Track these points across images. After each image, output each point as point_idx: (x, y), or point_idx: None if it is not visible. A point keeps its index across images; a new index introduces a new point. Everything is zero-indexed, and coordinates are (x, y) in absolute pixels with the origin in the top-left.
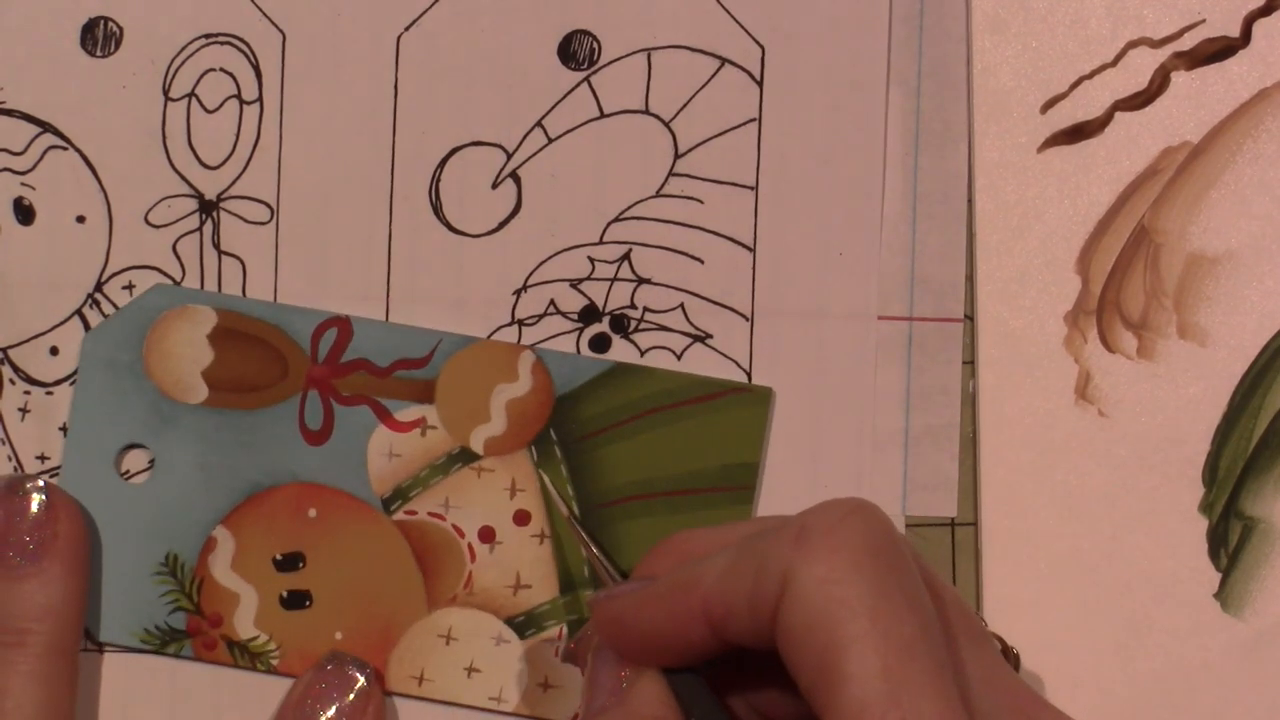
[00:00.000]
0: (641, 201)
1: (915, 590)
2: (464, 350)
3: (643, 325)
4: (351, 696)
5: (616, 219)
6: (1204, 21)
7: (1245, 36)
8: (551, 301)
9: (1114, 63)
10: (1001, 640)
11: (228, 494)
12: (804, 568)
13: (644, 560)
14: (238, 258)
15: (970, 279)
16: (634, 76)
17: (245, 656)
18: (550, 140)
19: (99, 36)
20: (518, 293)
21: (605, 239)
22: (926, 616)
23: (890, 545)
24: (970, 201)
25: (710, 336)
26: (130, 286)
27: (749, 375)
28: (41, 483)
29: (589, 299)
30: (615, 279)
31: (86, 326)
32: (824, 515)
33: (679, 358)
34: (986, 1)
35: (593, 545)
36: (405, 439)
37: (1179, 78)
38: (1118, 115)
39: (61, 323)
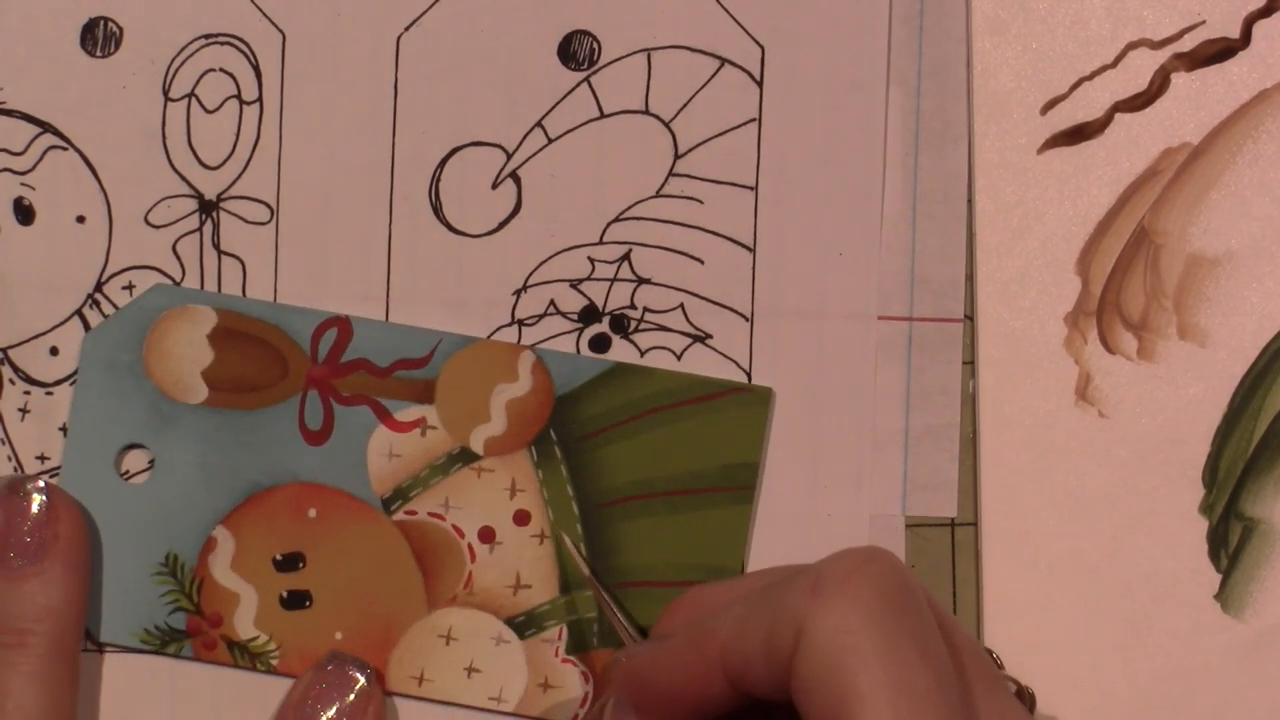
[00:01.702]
0: (641, 201)
1: (930, 639)
2: (464, 350)
3: (643, 325)
4: (352, 697)
5: (616, 219)
6: (1204, 23)
7: (1245, 38)
8: (551, 302)
9: (1114, 64)
10: (1016, 682)
11: (228, 494)
12: (818, 618)
13: (660, 618)
14: (238, 258)
15: (970, 279)
16: (634, 76)
17: (245, 656)
18: (550, 140)
19: (99, 36)
20: (518, 293)
21: (605, 239)
22: (941, 666)
23: (905, 594)
24: (970, 202)
25: (710, 336)
26: (130, 286)
27: (749, 375)
28: (42, 483)
29: (589, 299)
30: (615, 279)
31: (86, 326)
32: (839, 564)
33: (679, 358)
34: (986, 2)
35: (613, 606)
36: (405, 439)
37: (1179, 79)
38: (1118, 116)
39: (61, 323)
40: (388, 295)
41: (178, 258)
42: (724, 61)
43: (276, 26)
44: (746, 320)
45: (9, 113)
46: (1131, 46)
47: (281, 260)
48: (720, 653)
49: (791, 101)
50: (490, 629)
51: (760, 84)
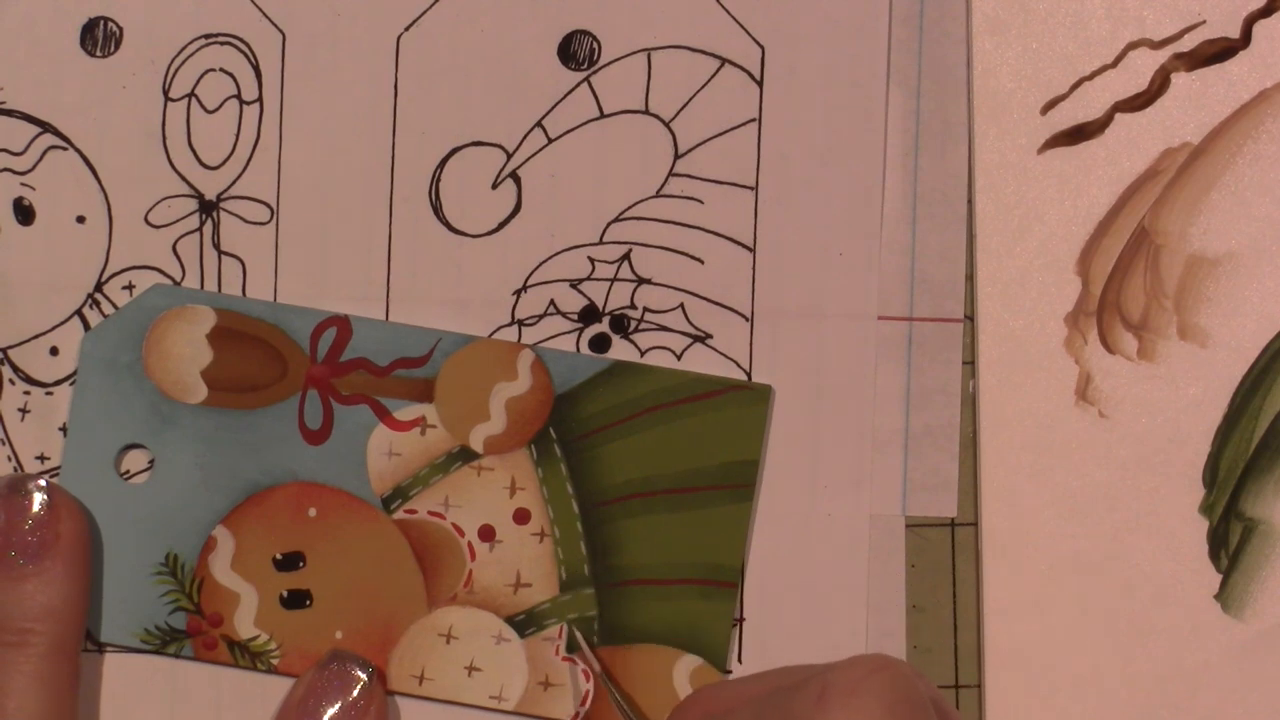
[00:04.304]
0: (641, 201)
1: None
2: (463, 349)
3: (643, 325)
4: (354, 695)
5: (616, 219)
6: (1204, 23)
7: (1245, 37)
8: (551, 302)
9: (1114, 64)
10: None
11: (227, 494)
12: None
13: (670, 718)
14: (238, 258)
15: (970, 279)
16: (634, 76)
17: (246, 656)
18: (550, 140)
19: (99, 36)
20: (518, 293)
21: (605, 239)
22: None
23: (912, 707)
24: (970, 202)
25: (710, 336)
26: (130, 286)
27: (749, 375)
28: (43, 482)
29: (589, 299)
30: (615, 279)
31: (86, 326)
32: (846, 673)
33: (679, 358)
34: (986, 2)
35: (624, 704)
36: (405, 438)
37: (1179, 79)
38: (1118, 116)
39: (61, 323)
40: (387, 295)
41: (178, 258)
42: (724, 61)
43: (276, 26)
44: (746, 320)
45: (9, 113)
46: (1131, 46)
47: (281, 260)
48: None
49: (791, 101)
50: (491, 627)
51: (760, 84)
